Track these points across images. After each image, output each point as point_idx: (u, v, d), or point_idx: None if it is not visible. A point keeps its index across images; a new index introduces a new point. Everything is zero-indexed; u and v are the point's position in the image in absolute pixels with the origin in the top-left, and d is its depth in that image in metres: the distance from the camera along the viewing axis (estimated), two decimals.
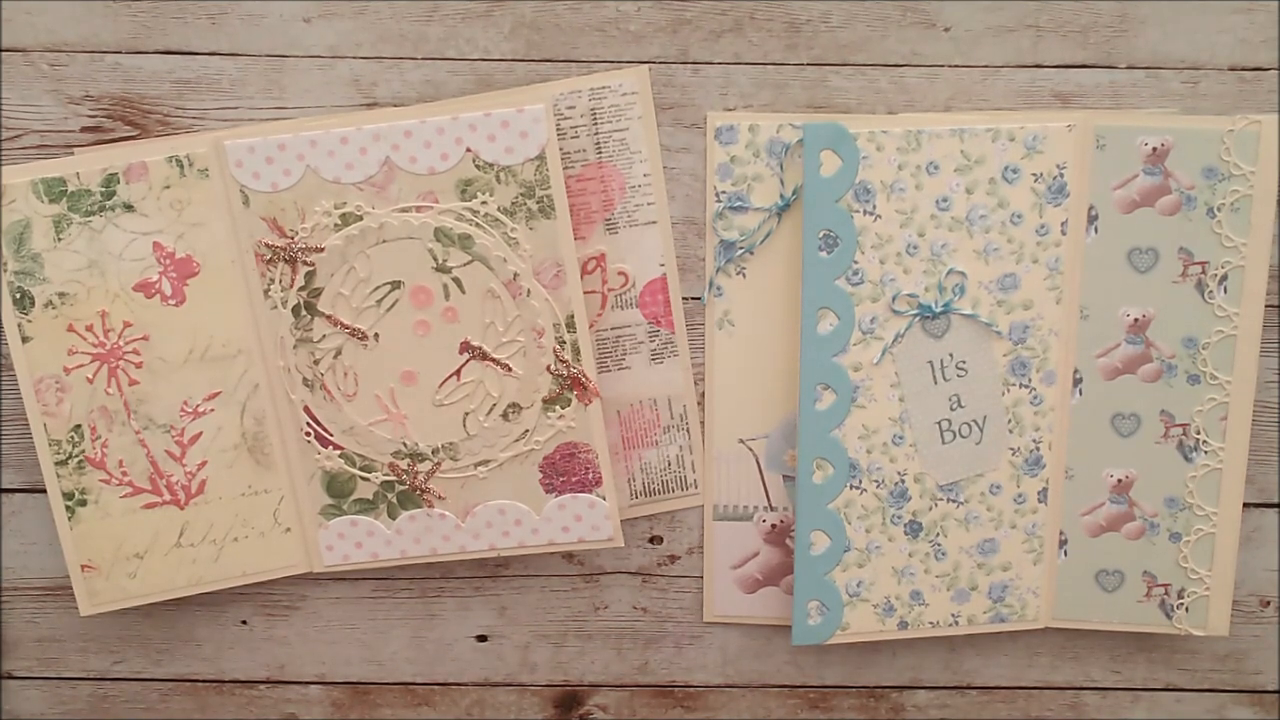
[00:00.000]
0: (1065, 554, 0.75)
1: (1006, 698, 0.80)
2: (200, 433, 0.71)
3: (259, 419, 0.72)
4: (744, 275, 0.73)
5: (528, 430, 0.71)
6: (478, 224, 0.68)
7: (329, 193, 0.68)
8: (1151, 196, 0.70)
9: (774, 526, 0.76)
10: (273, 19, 0.69)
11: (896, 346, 0.71)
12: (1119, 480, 0.73)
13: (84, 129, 0.70)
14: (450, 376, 0.71)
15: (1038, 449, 0.73)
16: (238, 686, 0.80)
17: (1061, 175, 0.69)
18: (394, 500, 0.73)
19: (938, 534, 0.74)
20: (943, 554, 0.74)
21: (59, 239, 0.68)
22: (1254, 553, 0.77)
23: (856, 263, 0.70)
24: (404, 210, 0.68)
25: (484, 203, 0.68)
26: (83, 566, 0.72)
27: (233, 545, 0.73)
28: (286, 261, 0.69)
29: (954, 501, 0.73)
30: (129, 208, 0.69)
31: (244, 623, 0.78)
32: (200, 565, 0.73)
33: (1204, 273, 0.70)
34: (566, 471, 0.72)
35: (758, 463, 0.75)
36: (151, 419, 0.71)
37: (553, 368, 0.70)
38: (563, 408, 0.71)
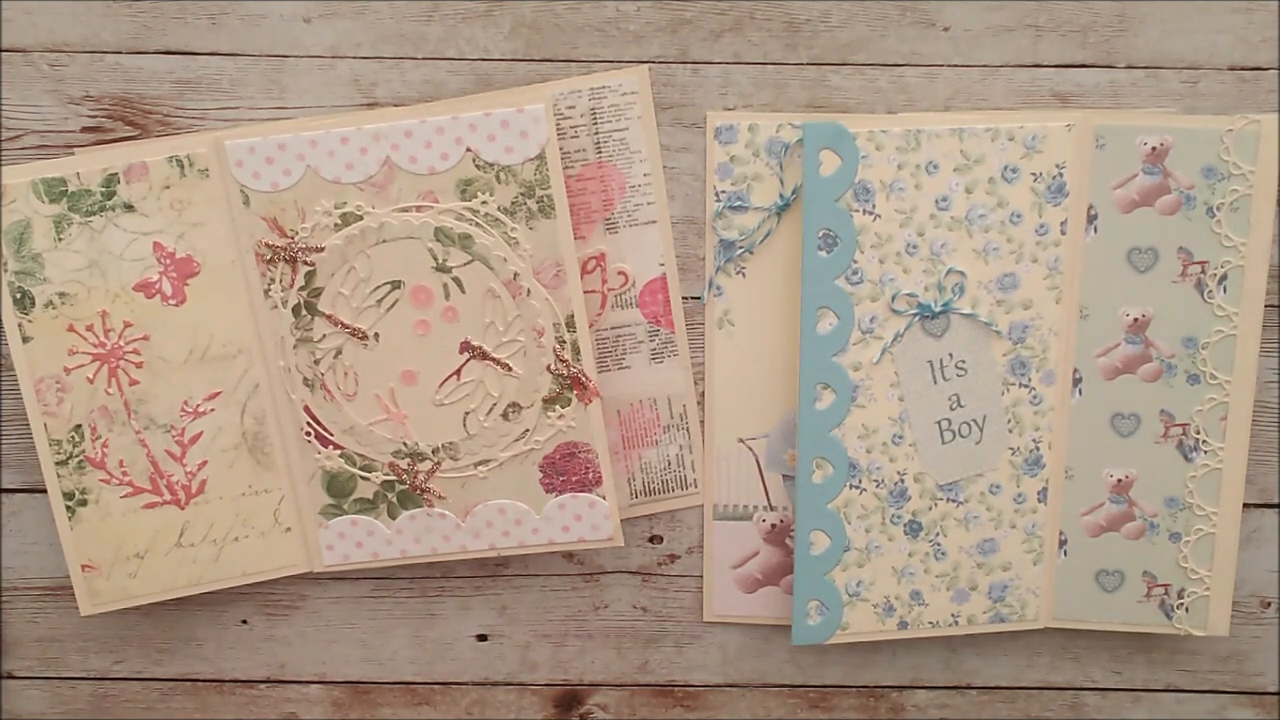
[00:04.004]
0: (1065, 554, 0.75)
1: (1006, 698, 0.80)
2: (200, 433, 0.71)
3: (259, 419, 0.72)
4: (744, 275, 0.73)
5: (528, 430, 0.71)
6: (478, 224, 0.68)
7: (329, 193, 0.68)
8: (1151, 196, 0.70)
9: (774, 526, 0.76)
10: (273, 19, 0.69)
11: (896, 346, 0.71)
12: (1119, 480, 0.73)
13: (84, 129, 0.71)
14: (450, 376, 0.71)
15: (1037, 449, 0.73)
16: (238, 686, 0.80)
17: (1061, 175, 0.69)
18: (394, 500, 0.73)
19: (937, 534, 0.74)
20: (943, 554, 0.74)
21: (59, 239, 0.68)
22: (1254, 553, 0.77)
23: (856, 262, 0.70)
24: (404, 210, 0.68)
25: (484, 202, 0.68)
26: (83, 566, 0.72)
27: (233, 545, 0.73)
28: (287, 261, 0.69)
29: (954, 501, 0.73)
30: (129, 208, 0.69)
31: (244, 622, 0.79)
32: (200, 565, 0.73)
33: (1204, 272, 0.70)
34: (566, 471, 0.72)
35: (758, 462, 0.75)
36: (152, 419, 0.71)
37: (553, 367, 0.70)
38: (563, 407, 0.71)
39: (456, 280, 0.69)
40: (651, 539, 0.77)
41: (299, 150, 0.68)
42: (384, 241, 0.69)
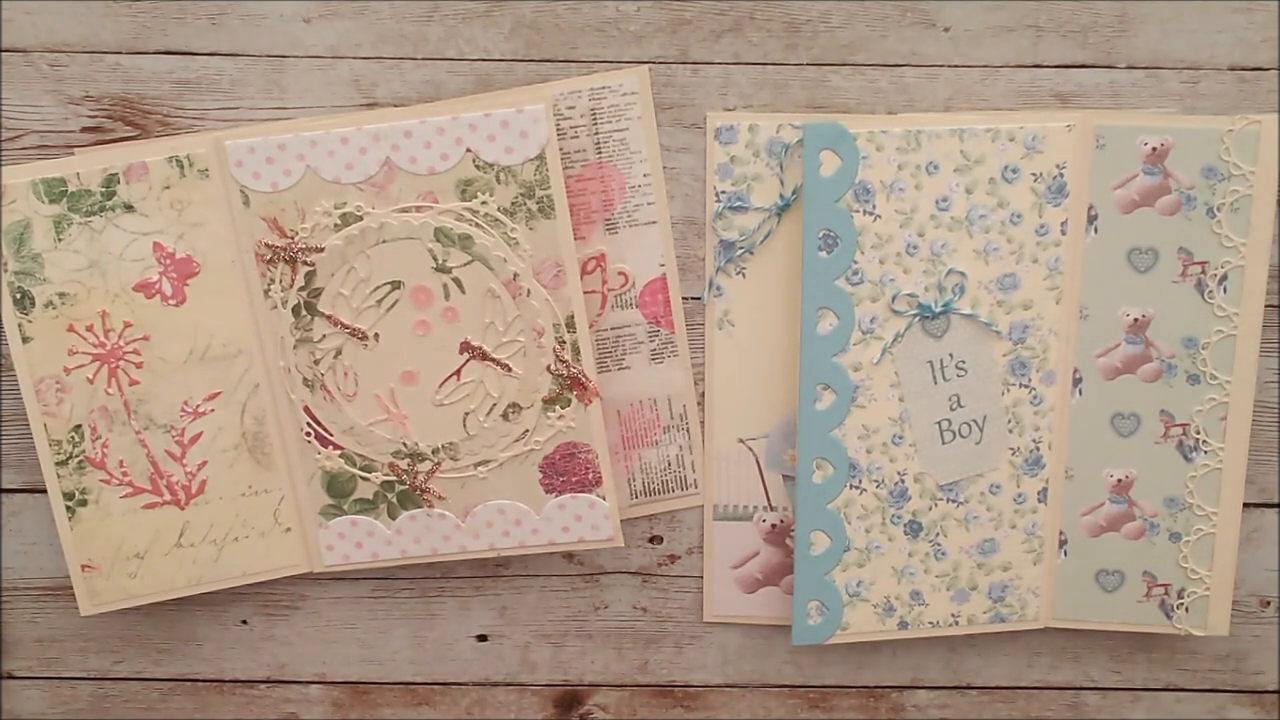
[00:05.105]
0: (1065, 554, 0.75)
1: (1006, 698, 0.80)
2: (200, 433, 0.71)
3: (259, 419, 0.72)
4: (744, 275, 0.73)
5: (528, 430, 0.71)
6: (478, 224, 0.68)
7: (329, 193, 0.68)
8: (1151, 196, 0.70)
9: (774, 526, 0.76)
10: (273, 19, 0.69)
11: (896, 346, 0.71)
12: (1119, 480, 0.73)
13: (84, 129, 0.70)
14: (450, 376, 0.71)
15: (1038, 449, 0.73)
16: (238, 686, 0.80)
17: (1061, 175, 0.69)
18: (394, 500, 0.73)
19: (938, 534, 0.74)
20: (943, 554, 0.74)
21: (59, 239, 0.68)
22: (1254, 553, 0.77)
23: (856, 262, 0.70)
24: (404, 210, 0.68)
25: (484, 203, 0.68)
26: (83, 566, 0.72)
27: (233, 545, 0.73)
28: (286, 261, 0.69)
29: (954, 501, 0.73)
30: (129, 208, 0.69)
31: (244, 623, 0.79)
32: (200, 565, 0.73)
33: (1204, 273, 0.70)
34: (566, 471, 0.72)
35: (758, 463, 0.75)
36: (152, 419, 0.71)
37: (553, 368, 0.70)
38: (563, 408, 0.71)
39: (456, 280, 0.69)
40: (651, 539, 0.77)
41: (299, 150, 0.68)
42: (384, 242, 0.69)
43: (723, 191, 0.71)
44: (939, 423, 0.72)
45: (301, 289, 0.70)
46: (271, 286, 0.70)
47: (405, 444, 0.72)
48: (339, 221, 0.69)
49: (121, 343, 0.70)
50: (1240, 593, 0.78)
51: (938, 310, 0.71)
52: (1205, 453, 0.73)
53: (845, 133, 0.68)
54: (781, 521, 0.76)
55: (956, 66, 0.71)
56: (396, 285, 0.69)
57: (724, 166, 0.71)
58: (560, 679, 0.80)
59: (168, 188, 0.69)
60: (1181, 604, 0.75)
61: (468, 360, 0.71)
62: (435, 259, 0.69)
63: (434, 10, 0.69)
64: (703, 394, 0.74)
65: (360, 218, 0.68)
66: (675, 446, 0.75)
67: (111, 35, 0.69)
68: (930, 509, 0.73)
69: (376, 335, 0.70)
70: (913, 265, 0.70)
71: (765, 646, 0.79)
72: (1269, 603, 0.78)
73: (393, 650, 0.79)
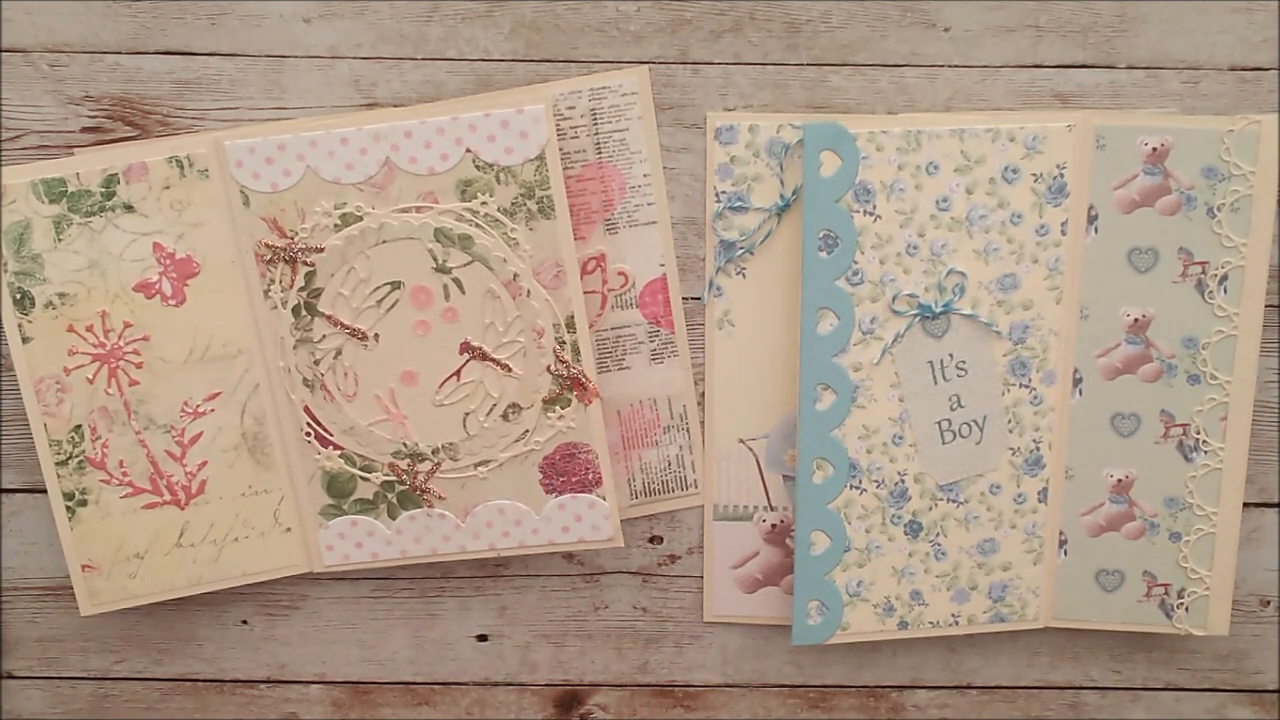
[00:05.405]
0: (1065, 554, 0.75)
1: (1006, 698, 0.80)
2: (200, 433, 0.71)
3: (259, 419, 0.72)
4: (744, 275, 0.73)
5: (528, 430, 0.71)
6: (478, 224, 0.68)
7: (329, 193, 0.68)
8: (1151, 196, 0.70)
9: (774, 526, 0.76)
10: (273, 19, 0.69)
11: (896, 346, 0.71)
12: (1119, 480, 0.73)
13: (84, 129, 0.70)
14: (450, 377, 0.71)
15: (1038, 449, 0.73)
16: (238, 686, 0.80)
17: (1061, 175, 0.69)
18: (394, 500, 0.73)
19: (938, 534, 0.74)
20: (943, 554, 0.74)
21: (59, 239, 0.68)
22: (1254, 553, 0.77)
23: (856, 263, 0.70)
24: (404, 211, 0.68)
25: (484, 203, 0.68)
26: (83, 566, 0.72)
27: (233, 545, 0.73)
28: (286, 262, 0.69)
29: (954, 501, 0.73)
30: (129, 208, 0.69)
31: (244, 623, 0.79)
32: (200, 565, 0.73)
33: (1204, 273, 0.70)
34: (566, 471, 0.72)
35: (758, 463, 0.75)
36: (152, 419, 0.71)
37: (553, 368, 0.70)
38: (563, 408, 0.71)
39: (456, 281, 0.69)
40: (651, 539, 0.77)
41: (299, 150, 0.68)
42: (384, 242, 0.69)
43: (723, 191, 0.71)
44: (939, 423, 0.72)
45: (301, 289, 0.70)
46: (271, 287, 0.70)
47: (405, 444, 0.72)
48: (339, 222, 0.69)
49: (121, 343, 0.70)
50: (1240, 592, 0.78)
51: (938, 310, 0.71)
52: (1205, 453, 0.73)
53: (845, 133, 0.68)
54: (781, 521, 0.76)
55: (956, 66, 0.70)
56: (396, 285, 0.69)
57: (724, 167, 0.71)
58: (560, 679, 0.80)
59: (168, 188, 0.69)
60: (1181, 604, 0.75)
61: (468, 360, 0.71)
62: (435, 259, 0.69)
63: (434, 10, 0.69)
64: (703, 394, 0.74)
65: (360, 218, 0.68)
66: (675, 446, 0.75)
67: (111, 35, 0.69)
68: (930, 509, 0.73)
69: (376, 335, 0.70)
70: (913, 265, 0.70)
71: (765, 646, 0.79)
72: (1269, 602, 0.78)
73: (393, 650, 0.79)
